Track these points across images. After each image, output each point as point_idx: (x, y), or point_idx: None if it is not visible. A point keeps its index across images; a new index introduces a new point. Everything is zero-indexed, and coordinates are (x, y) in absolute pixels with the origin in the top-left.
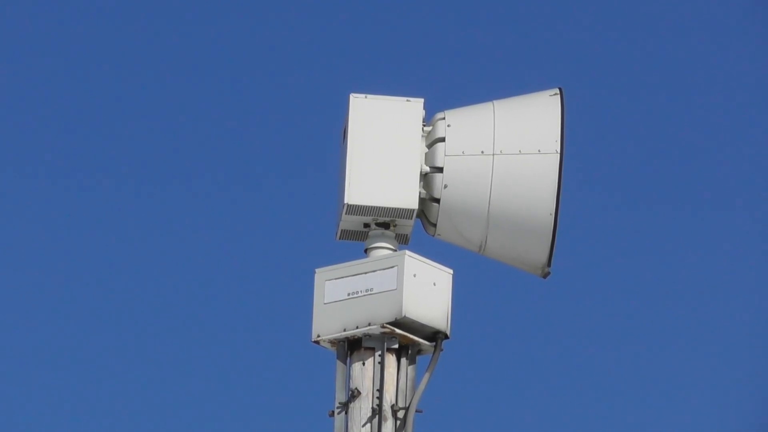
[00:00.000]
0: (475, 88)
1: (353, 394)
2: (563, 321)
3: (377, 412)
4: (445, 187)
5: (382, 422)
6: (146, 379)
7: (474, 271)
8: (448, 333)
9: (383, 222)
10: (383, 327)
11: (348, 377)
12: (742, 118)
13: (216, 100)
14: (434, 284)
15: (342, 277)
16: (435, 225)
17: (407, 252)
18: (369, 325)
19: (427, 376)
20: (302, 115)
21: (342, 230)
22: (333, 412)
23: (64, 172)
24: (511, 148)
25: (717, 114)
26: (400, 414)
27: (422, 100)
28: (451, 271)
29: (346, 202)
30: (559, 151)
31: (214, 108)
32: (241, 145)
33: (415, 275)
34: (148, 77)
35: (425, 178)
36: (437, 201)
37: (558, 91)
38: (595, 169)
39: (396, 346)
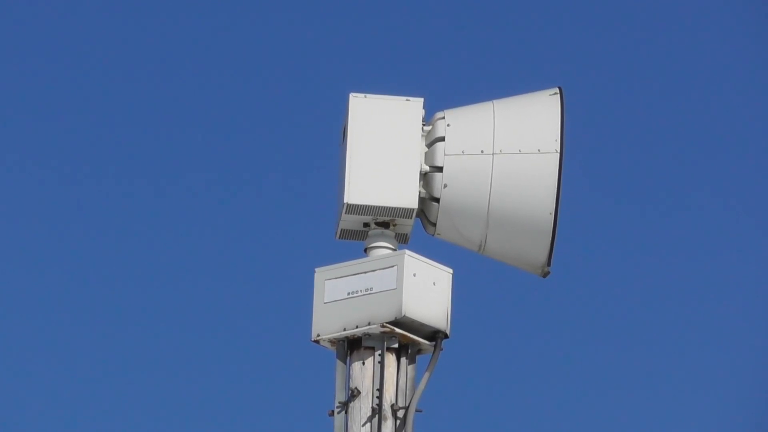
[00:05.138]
0: (475, 87)
1: (353, 394)
2: (563, 321)
3: (377, 411)
4: (445, 186)
5: (382, 422)
6: (146, 378)
7: (474, 271)
8: (447, 332)
9: (383, 221)
10: (383, 326)
11: (348, 377)
12: (742, 117)
13: (216, 99)
14: (434, 284)
15: (342, 277)
16: (435, 224)
17: (407, 251)
18: (369, 324)
19: (427, 375)
20: (302, 115)
21: (342, 229)
22: (333, 411)
23: (66, 171)
24: (510, 148)
25: (717, 113)
26: (400, 413)
27: (422, 99)
28: (451, 271)
29: (345, 201)
30: (558, 150)
31: (214, 108)
32: (241, 145)
33: (414, 275)
34: (148, 77)
35: (425, 178)
36: (437, 200)
37: (558, 91)
38: (595, 169)
39: (396, 345)
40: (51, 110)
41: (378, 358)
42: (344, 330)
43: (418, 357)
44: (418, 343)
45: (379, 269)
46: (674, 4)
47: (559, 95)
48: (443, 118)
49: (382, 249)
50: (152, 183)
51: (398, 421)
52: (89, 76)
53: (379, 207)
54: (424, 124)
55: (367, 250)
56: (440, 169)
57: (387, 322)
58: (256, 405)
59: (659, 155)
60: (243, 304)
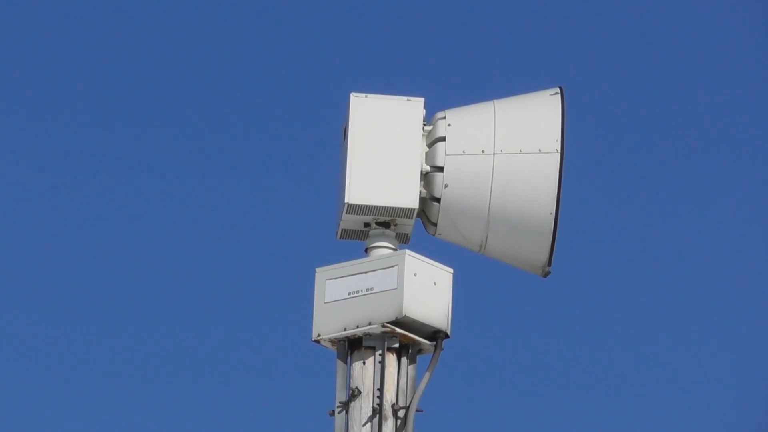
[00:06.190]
0: (476, 87)
1: (354, 394)
2: (563, 321)
3: (378, 411)
4: (446, 186)
5: (383, 421)
6: (146, 379)
7: (474, 271)
8: (448, 332)
9: (384, 221)
10: (384, 326)
11: (348, 376)
12: (743, 117)
13: (216, 100)
14: (435, 283)
15: (342, 277)
16: (435, 224)
17: (408, 251)
18: (369, 324)
19: (427, 375)
20: (302, 114)
21: (342, 229)
22: (333, 411)
23: (66, 171)
24: (511, 148)
25: (717, 113)
26: (401, 413)
27: (423, 99)
28: (452, 271)
29: (346, 201)
30: (559, 150)
31: (215, 108)
32: (241, 145)
33: (415, 274)
34: (149, 77)
35: (426, 178)
36: (438, 200)
37: (558, 91)
38: (595, 169)
39: (396, 345)
40: (52, 110)
41: (378, 358)
42: (345, 330)
43: (418, 357)
44: (418, 343)
45: (380, 269)
46: (674, 4)
47: (559, 95)
48: (444, 117)
49: (382, 249)
50: (153, 183)
51: (399, 421)
52: (90, 76)
53: (380, 207)
54: (424, 124)
55: (368, 250)
56: (441, 169)
57: (388, 322)
58: (256, 405)
59: (660, 155)
60: (244, 304)
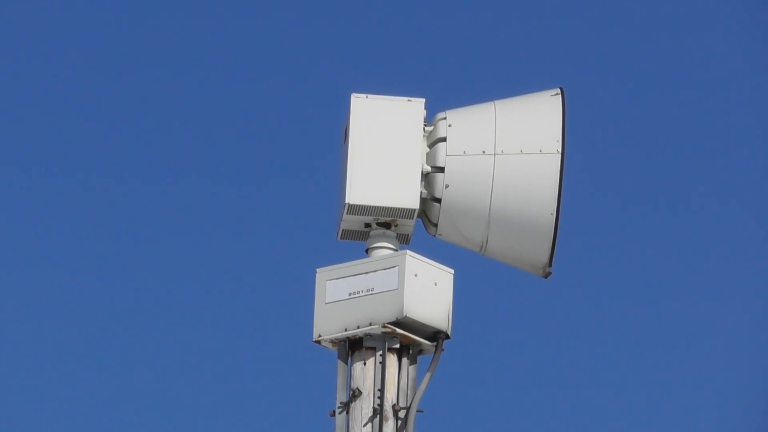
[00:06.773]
0: (477, 87)
1: (354, 394)
2: (564, 321)
3: (378, 411)
4: (447, 187)
5: (383, 422)
6: (146, 379)
7: (475, 271)
8: (449, 333)
9: (384, 222)
10: (384, 327)
11: (349, 377)
12: (742, 117)
13: (216, 100)
14: (435, 284)
15: (343, 277)
16: (436, 225)
17: (408, 252)
18: (370, 324)
19: (428, 375)
20: (303, 115)
21: (343, 230)
22: (334, 411)
23: (65, 172)
24: (512, 148)
25: (717, 113)
26: (401, 414)
27: (423, 99)
28: (452, 271)
29: (347, 201)
30: (560, 151)
31: (215, 108)
32: (241, 145)
33: (416, 275)
34: (148, 77)
35: (426, 178)
36: (438, 201)
37: (559, 91)
38: (596, 170)
39: (397, 345)
40: (53, 111)
41: (379, 359)
42: (345, 330)
43: (419, 357)
44: (419, 344)
45: (381, 270)
46: (674, 4)
47: (560, 96)
48: (445, 118)
49: (383, 249)
50: (153, 183)
51: (399, 422)
52: (90, 77)
53: (381, 207)
54: (425, 125)
55: (369, 251)
56: (442, 170)
57: (388, 323)
58: (256, 405)
59: (660, 155)
60: (244, 304)
